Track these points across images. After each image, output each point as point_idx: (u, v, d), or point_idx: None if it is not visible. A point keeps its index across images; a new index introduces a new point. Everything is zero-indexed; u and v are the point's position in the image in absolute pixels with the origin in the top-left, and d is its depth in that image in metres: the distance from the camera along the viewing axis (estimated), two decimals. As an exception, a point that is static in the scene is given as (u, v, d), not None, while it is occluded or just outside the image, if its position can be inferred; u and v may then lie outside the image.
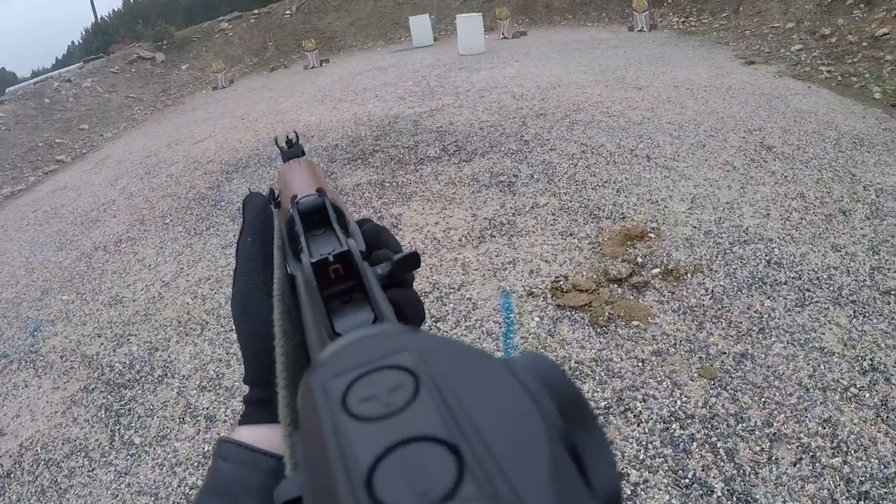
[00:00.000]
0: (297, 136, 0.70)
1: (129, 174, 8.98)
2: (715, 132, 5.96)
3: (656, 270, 3.76)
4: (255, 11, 21.86)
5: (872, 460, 2.48)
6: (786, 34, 10.69)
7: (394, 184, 5.94)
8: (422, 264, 4.32)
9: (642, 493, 2.44)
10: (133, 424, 3.48)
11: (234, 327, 0.46)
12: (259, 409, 0.44)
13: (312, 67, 16.16)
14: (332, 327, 0.33)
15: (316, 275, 0.35)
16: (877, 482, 2.38)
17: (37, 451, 3.48)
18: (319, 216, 0.45)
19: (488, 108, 8.08)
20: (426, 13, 17.63)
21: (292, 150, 0.67)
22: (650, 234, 4.16)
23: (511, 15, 16.15)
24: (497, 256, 4.28)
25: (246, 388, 0.46)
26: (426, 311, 3.76)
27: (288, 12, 21.73)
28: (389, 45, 18.14)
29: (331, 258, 0.36)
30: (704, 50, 10.52)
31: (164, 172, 8.47)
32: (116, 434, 3.44)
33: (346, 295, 0.36)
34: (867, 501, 2.31)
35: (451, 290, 4.00)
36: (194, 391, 3.60)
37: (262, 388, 0.44)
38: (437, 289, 4.04)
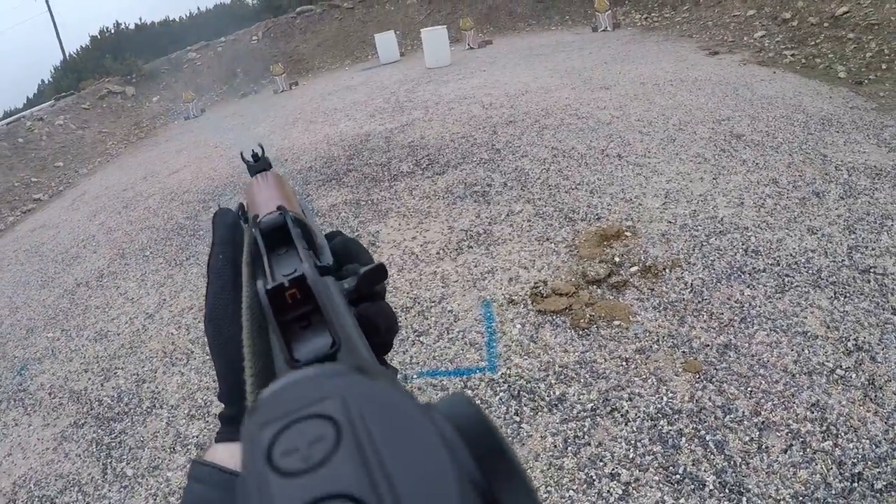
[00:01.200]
0: (263, 150, 0.70)
1: (107, 209, 9.03)
2: (684, 125, 6.06)
3: (634, 268, 3.81)
4: (222, 39, 22.02)
5: (863, 441, 2.51)
6: (747, 22, 10.91)
7: (369, 202, 5.99)
8: (401, 279, 4.34)
9: (634, 491, 2.46)
10: (125, 457, 3.50)
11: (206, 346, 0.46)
12: (233, 426, 0.44)
13: (282, 91, 16.35)
14: (290, 353, 0.33)
15: (272, 301, 0.35)
16: (869, 462, 2.42)
17: (30, 488, 3.50)
18: (282, 234, 0.45)
19: (458, 120, 8.17)
20: (391, 29, 17.88)
21: (258, 163, 0.67)
22: (626, 233, 4.22)
23: (475, 25, 16.39)
24: (476, 266, 4.31)
25: (221, 406, 0.47)
26: (403, 324, 3.84)
27: (254, 38, 21.92)
28: (357, 64, 18.35)
29: (286, 283, 0.35)
30: (668, 44, 10.71)
31: (142, 205, 8.53)
32: (108, 467, 3.46)
33: (305, 319, 0.35)
34: (861, 483, 2.35)
35: (432, 304, 4.02)
36: (183, 420, 3.64)
37: (235, 406, 0.45)
38: (418, 303, 4.07)
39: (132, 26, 26.38)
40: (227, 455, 0.42)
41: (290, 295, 0.35)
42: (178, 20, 27.97)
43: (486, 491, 0.19)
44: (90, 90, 19.15)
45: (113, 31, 25.62)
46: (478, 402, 2.13)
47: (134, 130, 17.05)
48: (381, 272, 0.41)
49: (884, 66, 7.31)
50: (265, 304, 0.35)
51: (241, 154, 0.71)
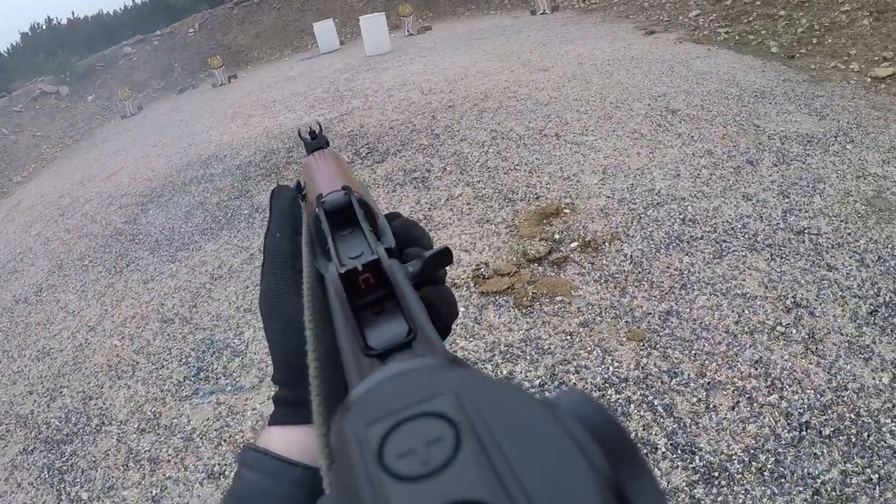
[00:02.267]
0: (321, 127, 0.72)
1: (43, 218, 8.78)
2: (621, 103, 6.37)
3: (574, 244, 4.02)
4: (158, 33, 21.58)
5: (808, 391, 2.76)
6: (683, 2, 11.44)
7: None
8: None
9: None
10: (78, 480, 3.48)
11: (262, 324, 0.48)
12: (289, 409, 0.46)
13: (221, 85, 16.25)
14: (364, 341, 0.33)
15: (345, 285, 0.35)
16: (815, 411, 2.67)
17: (-13, 526, 3.45)
18: (346, 215, 0.45)
19: (398, 107, 8.35)
20: (330, 18, 18.02)
21: (315, 141, 0.68)
22: (565, 210, 4.44)
23: (414, 11, 16.67)
24: (417, 252, 4.44)
25: (275, 387, 0.48)
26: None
27: (191, 30, 21.60)
28: (296, 54, 18.39)
29: (360, 268, 0.36)
30: (606, 25, 11.16)
31: (79, 212, 8.34)
32: (63, 493, 3.43)
33: (377, 305, 0.35)
34: (809, 431, 2.59)
35: None
36: (134, 435, 3.64)
37: (292, 389, 0.45)
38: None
39: (64, 21, 25.56)
40: (283, 441, 0.44)
41: (364, 280, 0.36)
42: (112, 13, 27.26)
43: (622, 492, 0.18)
44: (22, 91, 18.46)
45: (44, 27, 24.76)
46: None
47: (70, 132, 16.57)
48: (447, 256, 0.42)
49: (814, 41, 7.83)
50: (338, 288, 0.35)
51: (299, 131, 0.74)
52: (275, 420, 0.46)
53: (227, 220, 6.07)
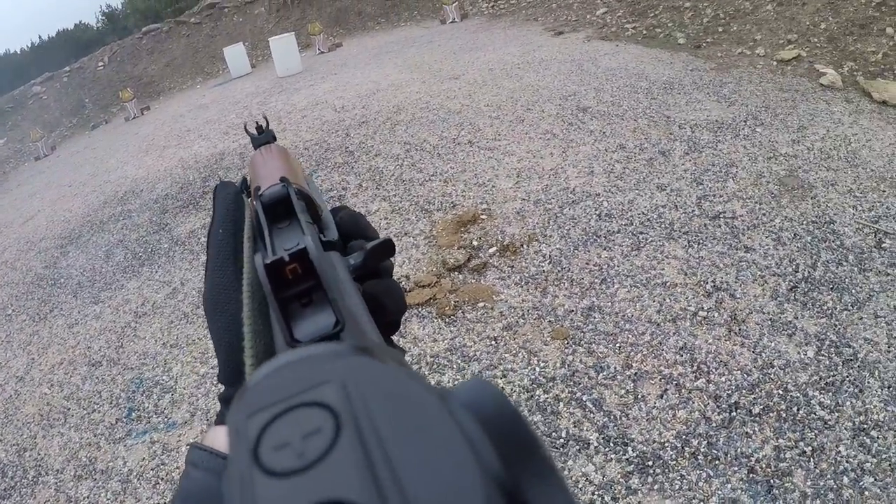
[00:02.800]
0: (267, 122, 0.75)
1: None
2: (532, 105, 6.55)
3: (493, 249, 4.12)
4: (67, 69, 21.10)
5: (734, 372, 2.90)
6: (590, 0, 11.86)
7: None
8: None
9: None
10: None
11: (206, 323, 0.48)
12: None
13: (134, 118, 16.08)
14: (290, 333, 0.33)
15: (271, 276, 0.35)
16: (743, 391, 2.80)
17: None
18: (284, 207, 0.46)
19: (311, 127, 8.41)
20: (240, 41, 18.01)
21: (262, 136, 0.72)
22: (482, 216, 4.54)
23: (325, 29, 16.85)
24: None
25: (220, 386, 0.48)
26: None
27: (101, 64, 21.16)
28: (208, 81, 18.27)
29: (286, 258, 0.36)
30: (515, 29, 11.46)
31: None
32: None
33: (306, 296, 0.36)
34: (739, 411, 2.71)
35: None
36: (71, 483, 3.60)
37: (235, 387, 0.45)
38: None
39: (-31, 62, 24.82)
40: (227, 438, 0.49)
41: (291, 270, 0.36)
42: (19, 52, 26.55)
43: (515, 494, 0.17)
44: (-70, 142, 17.82)
45: (-51, 70, 23.96)
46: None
47: (-18, 180, 16.04)
48: (388, 247, 0.43)
49: (720, 30, 8.23)
50: (263, 278, 0.35)
51: (245, 126, 0.77)
52: (220, 419, 0.46)
53: (148, 255, 6.03)
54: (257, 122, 0.75)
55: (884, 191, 4.10)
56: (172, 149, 10.32)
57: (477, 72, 8.72)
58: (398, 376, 0.20)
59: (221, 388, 0.48)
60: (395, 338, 0.49)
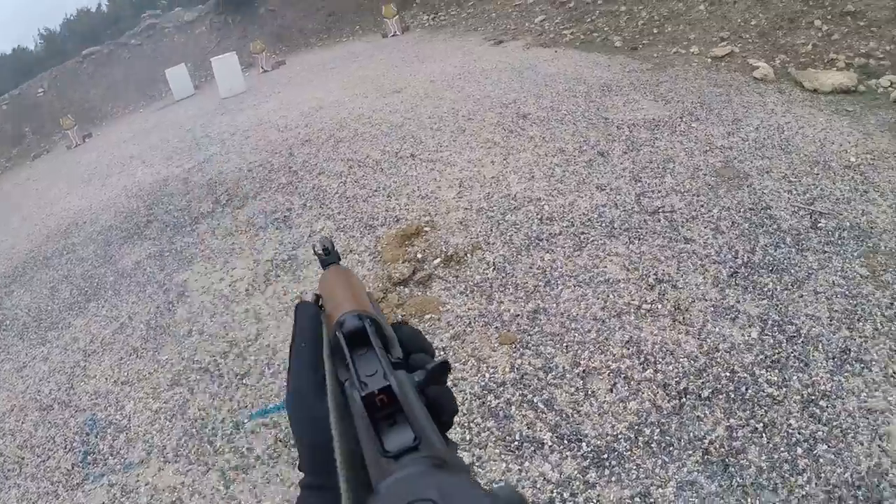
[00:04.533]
0: (332, 243, 0.83)
1: None
2: (473, 115, 6.76)
3: (437, 261, 4.26)
4: (6, 96, 20.72)
5: (681, 360, 3.06)
6: (528, 9, 12.20)
7: (172, 250, 6.14)
8: (214, 324, 4.59)
9: (479, 469, 2.79)
10: None
11: (288, 422, 0.60)
12: (316, 493, 0.55)
13: (76, 146, 15.89)
14: (382, 446, 0.42)
15: (365, 404, 0.45)
16: (691, 377, 2.96)
17: None
18: (362, 337, 0.54)
19: (255, 148, 8.50)
20: (182, 63, 17.95)
21: (329, 257, 0.80)
22: (426, 229, 4.69)
23: (267, 46, 17.02)
24: (285, 295, 4.61)
25: (300, 474, 0.57)
26: (224, 370, 3.98)
27: (41, 90, 20.84)
28: (151, 104, 18.20)
29: (376, 391, 0.45)
30: (456, 41, 11.76)
31: None
32: None
33: (391, 417, 0.45)
34: (688, 396, 2.87)
35: (250, 343, 4.25)
36: None
37: (318, 475, 0.55)
38: (235, 345, 4.27)
39: None
40: None
41: (379, 399, 0.45)
42: None
43: None
44: None
45: None
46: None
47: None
48: (446, 368, 0.51)
49: (655, 31, 8.57)
50: (360, 409, 0.45)
51: (314, 247, 0.85)
52: (301, 502, 0.56)
53: (94, 290, 5.99)
54: (323, 245, 0.82)
55: (817, 174, 4.35)
56: (115, 177, 10.30)
57: (418, 84, 8.94)
58: (466, 484, 0.32)
59: (301, 475, 0.58)
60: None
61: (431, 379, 0.50)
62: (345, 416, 0.49)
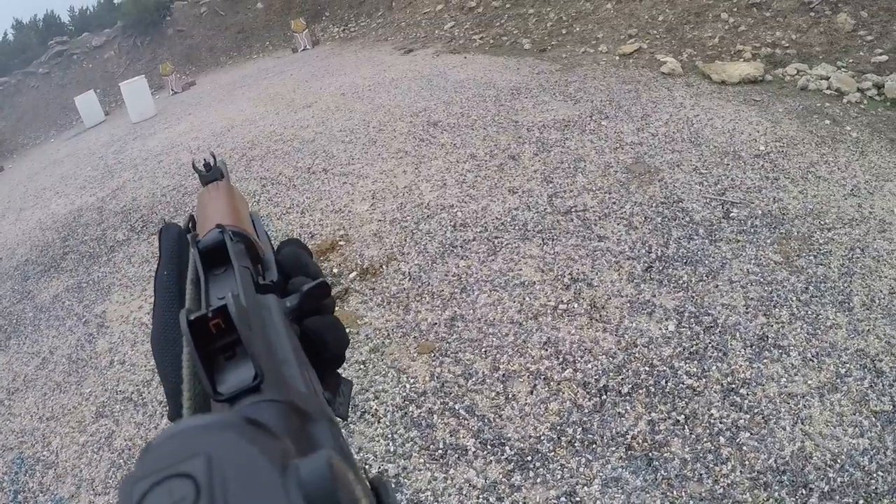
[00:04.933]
0: (215, 159, 0.76)
1: None
2: (384, 126, 6.75)
3: (353, 274, 4.22)
4: None
5: (600, 358, 3.10)
6: (437, 16, 12.28)
7: (90, 282, 5.97)
8: (137, 354, 4.30)
9: (405, 480, 2.77)
10: None
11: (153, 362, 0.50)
12: None
13: None
14: (213, 386, 0.36)
15: (195, 331, 0.37)
16: (611, 374, 2.99)
17: None
18: (221, 253, 0.48)
19: (168, 172, 8.34)
20: (90, 89, 17.56)
21: (210, 173, 0.73)
22: (340, 243, 4.65)
23: (176, 67, 16.80)
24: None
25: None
26: (147, 399, 3.84)
27: None
28: (63, 133, 17.68)
29: (209, 314, 0.38)
30: (366, 51, 11.78)
31: None
32: None
33: (229, 349, 0.38)
34: (609, 393, 2.90)
35: None
36: None
37: None
38: (157, 375, 4.13)
39: None
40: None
41: (215, 325, 0.38)
42: None
43: None
44: None
45: None
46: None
47: None
48: (323, 289, 0.46)
49: (563, 32, 8.74)
50: (186, 334, 0.37)
51: (193, 163, 0.79)
52: None
53: (13, 327, 5.75)
54: (205, 159, 0.76)
55: (728, 164, 4.48)
56: (29, 210, 10.02)
57: (329, 98, 8.91)
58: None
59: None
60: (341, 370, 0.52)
61: (307, 303, 0.46)
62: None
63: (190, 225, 0.60)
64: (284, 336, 0.41)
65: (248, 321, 0.39)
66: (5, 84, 21.03)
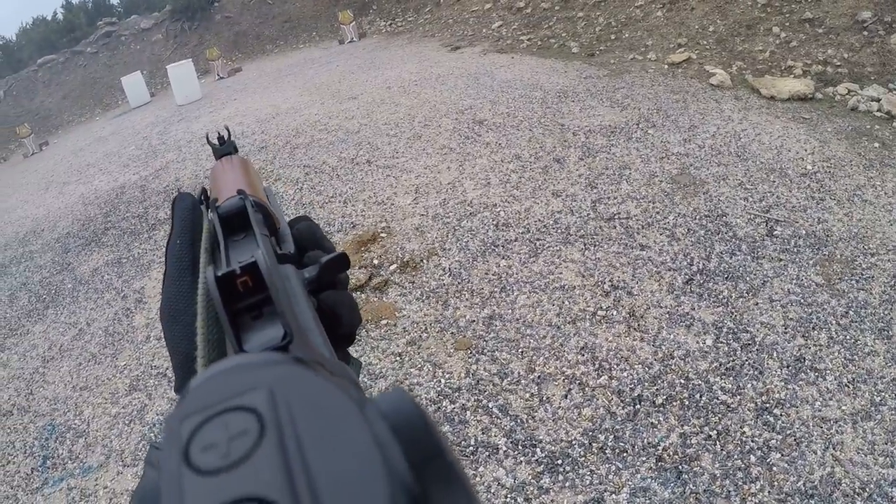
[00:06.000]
0: (229, 133, 0.76)
1: None
2: (429, 121, 6.80)
3: (393, 266, 4.27)
4: None
5: (636, 367, 3.10)
6: (485, 15, 12.27)
7: (130, 258, 6.12)
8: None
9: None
10: None
11: (162, 333, 0.50)
12: None
13: (33, 154, 15.77)
14: (239, 344, 0.35)
15: (222, 288, 0.36)
16: (646, 384, 3.00)
17: None
18: (241, 220, 0.48)
19: (210, 155, 8.38)
20: (138, 70, 17.87)
21: (223, 147, 0.73)
22: (382, 235, 4.70)
23: (223, 54, 17.03)
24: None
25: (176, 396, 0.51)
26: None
27: None
28: (108, 112, 18.03)
29: (237, 270, 0.37)
30: (413, 47, 11.81)
31: None
32: None
33: (256, 309, 0.37)
34: (643, 403, 2.90)
35: None
36: None
37: None
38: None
39: None
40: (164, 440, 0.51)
41: (242, 283, 0.37)
42: None
43: (420, 497, 0.19)
44: None
45: None
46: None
47: None
48: (343, 261, 0.44)
49: (612, 37, 8.70)
50: (213, 291, 0.36)
51: (207, 137, 0.78)
52: None
53: (52, 297, 5.92)
54: (219, 133, 0.76)
55: (773, 181, 4.44)
56: (73, 185, 10.23)
57: (375, 91, 8.96)
58: (323, 384, 0.22)
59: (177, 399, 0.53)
60: (351, 350, 0.52)
61: (325, 275, 0.44)
62: (216, 321, 0.42)
63: (202, 198, 0.57)
64: (306, 305, 0.40)
65: (278, 279, 0.38)
66: (53, 62, 21.51)
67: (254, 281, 0.36)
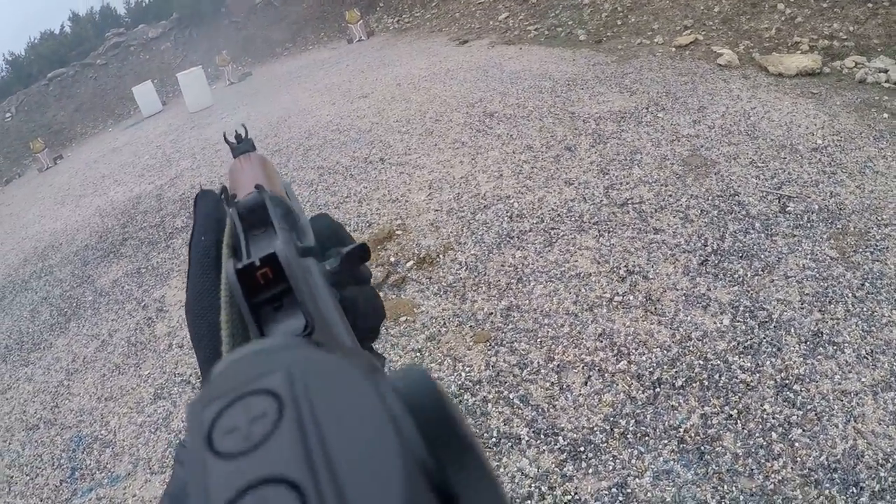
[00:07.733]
0: (246, 131, 0.77)
1: None
2: (440, 116, 6.80)
3: (410, 263, 4.29)
4: None
5: (654, 350, 3.10)
6: (492, 7, 12.24)
7: (149, 267, 6.17)
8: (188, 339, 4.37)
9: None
10: None
11: (187, 329, 0.51)
12: None
13: (47, 168, 15.91)
14: (261, 335, 0.35)
15: (243, 281, 0.37)
16: (665, 367, 2.99)
17: None
18: (260, 214, 0.48)
19: (225, 161, 8.48)
20: (148, 79, 18.01)
21: (241, 145, 0.73)
22: (397, 232, 4.72)
23: (233, 59, 17.12)
24: (257, 304, 4.62)
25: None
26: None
27: (8, 115, 20.77)
28: (120, 122, 18.19)
29: (257, 262, 0.37)
30: (421, 42, 11.81)
31: None
32: None
33: (278, 300, 0.37)
34: (662, 386, 2.90)
35: None
36: None
37: None
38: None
39: None
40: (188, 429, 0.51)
41: (262, 275, 0.37)
42: None
43: (436, 473, 0.19)
44: None
45: None
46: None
47: None
48: (363, 251, 0.44)
49: (619, 23, 8.64)
50: (234, 283, 0.36)
51: (224, 136, 0.78)
52: None
53: (73, 310, 5.98)
54: (236, 132, 0.76)
55: (784, 158, 4.41)
56: (89, 197, 10.32)
57: (385, 88, 8.99)
58: (338, 364, 0.22)
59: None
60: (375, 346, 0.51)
61: (347, 266, 0.44)
62: (240, 315, 0.41)
63: (222, 196, 0.57)
64: (328, 296, 0.40)
65: (299, 269, 0.38)
66: (63, 75, 21.64)
67: (274, 272, 0.37)
